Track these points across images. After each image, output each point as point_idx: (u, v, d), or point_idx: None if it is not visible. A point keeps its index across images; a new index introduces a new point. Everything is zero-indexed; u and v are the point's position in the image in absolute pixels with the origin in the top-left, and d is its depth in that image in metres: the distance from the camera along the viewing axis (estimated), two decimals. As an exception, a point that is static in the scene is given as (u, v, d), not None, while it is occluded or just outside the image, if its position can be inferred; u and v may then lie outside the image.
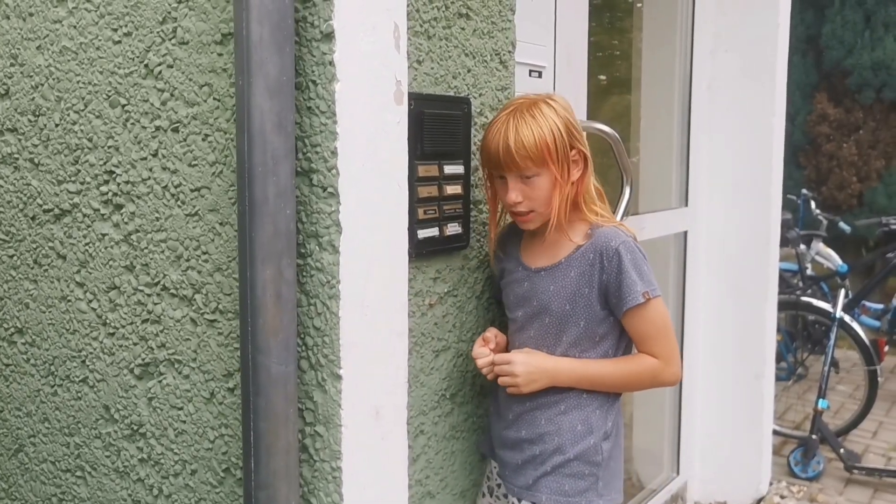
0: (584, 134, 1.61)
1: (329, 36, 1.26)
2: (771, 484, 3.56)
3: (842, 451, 3.77)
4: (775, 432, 3.82)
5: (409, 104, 1.45)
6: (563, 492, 1.60)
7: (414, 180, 1.52)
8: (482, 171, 1.66)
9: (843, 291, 4.16)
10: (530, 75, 2.10)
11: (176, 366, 1.51)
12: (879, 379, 4.14)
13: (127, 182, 1.53)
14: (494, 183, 1.62)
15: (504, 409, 1.68)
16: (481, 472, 1.82)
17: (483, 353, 1.62)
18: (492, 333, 1.66)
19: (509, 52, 1.77)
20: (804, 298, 4.34)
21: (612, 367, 1.62)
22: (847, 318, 4.07)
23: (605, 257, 1.56)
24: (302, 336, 1.35)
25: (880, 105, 7.16)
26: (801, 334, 4.73)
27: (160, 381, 1.54)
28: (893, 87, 6.99)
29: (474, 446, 1.79)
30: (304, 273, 1.33)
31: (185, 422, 1.52)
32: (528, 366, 1.58)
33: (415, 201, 1.52)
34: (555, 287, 1.60)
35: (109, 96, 1.53)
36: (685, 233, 3.20)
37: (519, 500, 1.64)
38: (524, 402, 1.64)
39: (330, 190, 1.29)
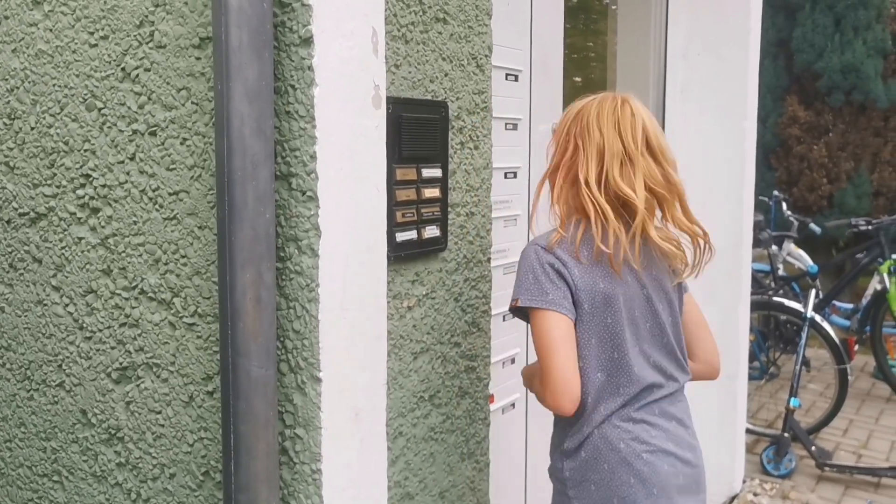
0: None
1: (308, 41, 1.27)
2: (744, 482, 3.61)
3: (813, 448, 3.83)
4: (748, 431, 3.87)
5: (387, 108, 1.46)
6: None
7: (392, 184, 1.53)
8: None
9: (813, 292, 4.23)
10: (506, 79, 2.12)
11: (154, 369, 1.51)
12: (850, 377, 4.21)
13: (104, 185, 1.52)
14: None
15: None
16: (460, 473, 1.83)
17: None
18: None
19: (486, 55, 1.78)
20: (776, 299, 4.40)
21: (527, 370, 1.80)
22: (818, 318, 4.14)
23: None
24: (281, 339, 1.35)
25: (849, 108, 7.28)
26: (773, 334, 4.79)
27: (138, 385, 1.54)
28: (862, 90, 7.11)
29: (453, 447, 1.80)
30: (284, 276, 1.34)
31: (163, 425, 1.52)
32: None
33: (393, 204, 1.53)
34: None
35: (86, 99, 1.53)
36: (659, 234, 3.24)
37: None
38: None
39: (309, 194, 1.30)
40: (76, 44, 1.53)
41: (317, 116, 1.28)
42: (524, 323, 2.30)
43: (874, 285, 4.95)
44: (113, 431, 1.59)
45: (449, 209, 1.69)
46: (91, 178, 1.54)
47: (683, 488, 1.59)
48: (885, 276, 4.78)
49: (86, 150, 1.54)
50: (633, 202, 1.53)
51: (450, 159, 1.68)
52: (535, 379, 1.62)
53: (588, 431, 1.58)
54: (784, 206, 5.67)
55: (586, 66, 3.25)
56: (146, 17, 1.43)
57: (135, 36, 1.45)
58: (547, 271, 1.53)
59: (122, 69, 1.47)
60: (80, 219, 1.57)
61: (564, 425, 1.62)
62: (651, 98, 3.22)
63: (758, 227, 4.56)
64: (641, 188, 1.54)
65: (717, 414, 3.34)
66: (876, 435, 4.37)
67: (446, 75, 1.66)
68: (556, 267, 1.53)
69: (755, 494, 3.58)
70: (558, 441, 1.63)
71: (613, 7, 3.30)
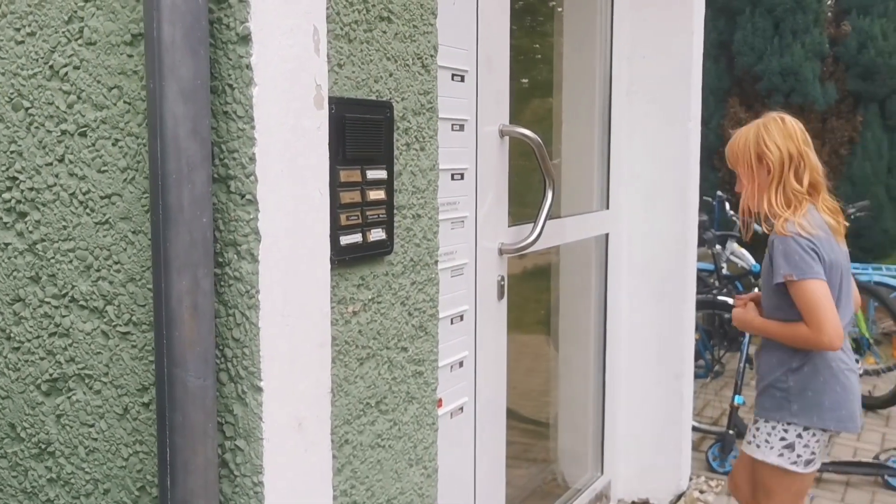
0: (774, 149, 2.30)
1: (245, 38, 1.23)
2: (691, 479, 3.65)
3: (757, 445, 3.88)
4: (694, 428, 3.92)
5: (331, 108, 1.42)
6: (764, 407, 2.38)
7: (336, 186, 1.49)
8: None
9: (756, 290, 4.30)
10: (453, 79, 2.10)
11: (86, 381, 1.45)
12: (791, 374, 4.28)
13: (31, 189, 1.46)
14: None
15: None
16: (408, 480, 1.80)
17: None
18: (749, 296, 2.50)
19: (431, 55, 1.76)
20: (720, 297, 4.47)
21: (778, 328, 2.32)
22: (760, 316, 4.20)
23: (770, 246, 2.26)
24: (220, 348, 1.31)
25: (789, 110, 7.40)
26: (717, 332, 4.86)
27: (69, 398, 1.47)
28: (801, 93, 7.28)
29: (400, 453, 1.77)
30: (222, 283, 1.29)
31: (96, 439, 1.45)
32: (737, 319, 2.50)
33: (337, 207, 1.49)
34: (764, 268, 2.35)
35: (12, 99, 1.46)
36: (606, 235, 3.26)
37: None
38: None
39: (248, 197, 1.26)
40: (2, 41, 1.46)
41: (256, 117, 1.24)
42: (472, 326, 2.28)
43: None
44: (43, 446, 1.52)
45: (395, 211, 1.66)
46: (18, 181, 1.47)
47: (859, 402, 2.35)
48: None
49: (12, 152, 1.47)
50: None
51: (395, 160, 1.65)
52: (796, 335, 2.26)
53: (813, 356, 2.29)
54: (727, 206, 5.77)
55: (533, 67, 3.25)
56: (75, 12, 1.37)
57: (63, 32, 1.38)
58: (807, 250, 2.18)
59: (51, 67, 1.40)
60: (6, 223, 1.50)
61: (791, 351, 2.31)
62: (597, 100, 3.23)
63: (702, 227, 4.62)
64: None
65: (665, 413, 3.37)
66: (817, 430, 4.46)
67: (391, 75, 1.63)
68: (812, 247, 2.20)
69: (701, 492, 3.62)
70: (785, 361, 2.32)
71: (559, 9, 3.30)
